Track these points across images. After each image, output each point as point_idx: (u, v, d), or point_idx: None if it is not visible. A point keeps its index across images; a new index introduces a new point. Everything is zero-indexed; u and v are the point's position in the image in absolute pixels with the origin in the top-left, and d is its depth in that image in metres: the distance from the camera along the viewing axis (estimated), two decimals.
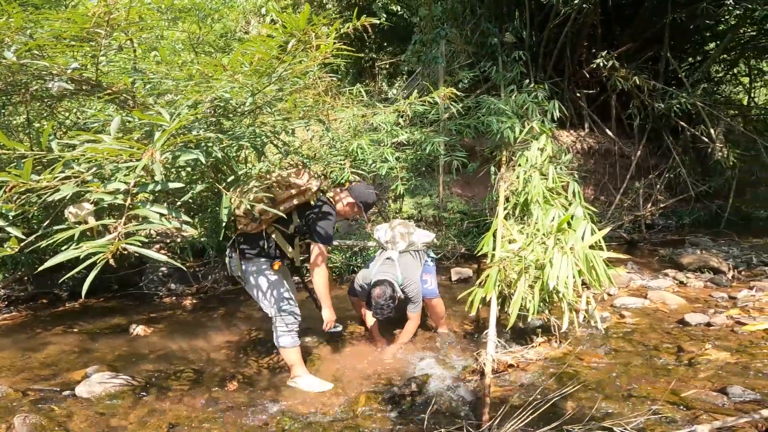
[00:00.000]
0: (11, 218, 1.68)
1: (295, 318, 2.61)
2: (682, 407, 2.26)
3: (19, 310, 3.99)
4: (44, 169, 1.52)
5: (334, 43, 2.10)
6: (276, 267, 2.60)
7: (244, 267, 2.60)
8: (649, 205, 7.46)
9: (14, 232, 1.55)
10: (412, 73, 7.86)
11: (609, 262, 2.99)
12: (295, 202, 2.53)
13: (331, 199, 2.77)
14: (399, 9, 8.21)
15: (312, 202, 2.58)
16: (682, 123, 7.66)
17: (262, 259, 2.59)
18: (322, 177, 2.89)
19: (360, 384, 2.65)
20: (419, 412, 2.34)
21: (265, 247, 2.57)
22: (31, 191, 1.43)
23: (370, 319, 3.18)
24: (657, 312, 3.69)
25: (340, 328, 3.14)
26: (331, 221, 2.60)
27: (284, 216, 2.43)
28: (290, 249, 2.63)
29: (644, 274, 4.73)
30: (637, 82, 7.11)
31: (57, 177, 1.42)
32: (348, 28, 2.21)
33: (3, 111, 2.78)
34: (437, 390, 2.57)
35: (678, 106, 6.95)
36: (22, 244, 1.57)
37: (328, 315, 2.68)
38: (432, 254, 3.46)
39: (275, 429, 2.20)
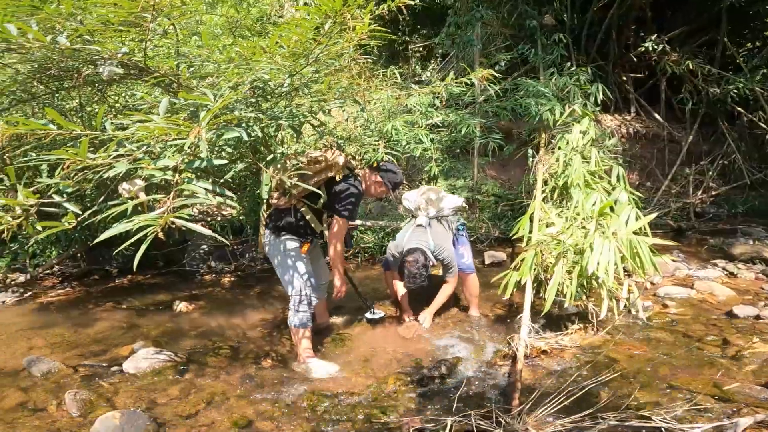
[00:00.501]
0: (67, 195, 1.79)
1: (312, 300, 2.65)
2: (723, 400, 2.17)
3: (73, 286, 4.24)
4: (97, 150, 1.60)
5: (369, 24, 2.09)
6: (305, 249, 2.66)
7: (272, 242, 2.68)
8: (700, 192, 7.07)
9: (72, 207, 1.65)
10: (446, 56, 7.71)
11: (655, 249, 2.87)
12: (323, 176, 2.58)
13: (362, 177, 2.81)
14: None
15: (338, 178, 2.60)
16: (738, 108, 7.18)
17: (293, 236, 2.66)
18: (349, 155, 2.95)
19: (389, 365, 2.68)
20: (448, 394, 2.35)
21: (295, 222, 2.65)
22: (87, 168, 1.52)
23: (401, 289, 3.21)
24: (703, 303, 3.53)
25: (382, 314, 3.20)
26: (355, 198, 2.64)
27: (314, 190, 2.48)
28: (319, 224, 2.69)
29: (691, 264, 4.51)
30: (691, 66, 6.70)
31: (111, 155, 1.49)
32: (382, 9, 2.19)
33: (57, 95, 2.91)
34: (467, 373, 2.57)
35: (735, 91, 6.52)
36: (78, 220, 1.67)
37: (338, 283, 2.76)
38: (462, 220, 3.43)
39: (306, 406, 2.27)
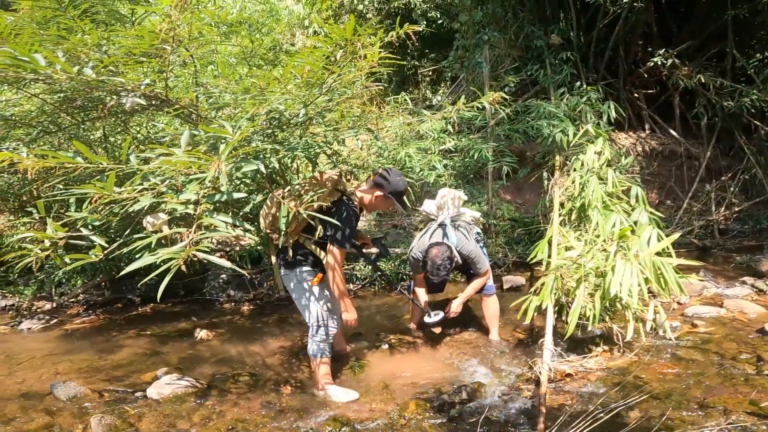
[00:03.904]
0: (93, 227, 1.85)
1: (330, 328, 2.60)
2: (761, 417, 2.09)
3: (97, 314, 4.32)
4: (121, 182, 1.66)
5: (379, 51, 2.14)
6: (315, 281, 2.56)
7: (288, 274, 2.62)
8: (722, 209, 6.89)
9: (98, 240, 1.70)
10: (455, 79, 7.82)
11: (679, 269, 2.81)
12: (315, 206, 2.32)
13: (355, 196, 2.58)
14: (438, 16, 8.20)
15: (324, 206, 2.37)
16: (755, 121, 7.07)
17: (304, 269, 2.57)
18: (344, 175, 2.66)
19: (409, 391, 2.64)
20: (470, 420, 2.30)
21: (303, 255, 2.55)
22: (114, 202, 1.57)
23: (421, 294, 3.21)
24: (734, 321, 3.41)
25: (440, 315, 3.09)
26: (348, 223, 2.43)
27: (310, 222, 2.33)
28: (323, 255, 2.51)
29: (719, 282, 4.38)
30: (702, 80, 6.66)
31: (136, 189, 1.55)
32: (391, 36, 2.25)
33: (82, 126, 3.02)
34: (489, 398, 2.51)
35: (749, 103, 6.44)
36: (104, 253, 1.72)
37: (346, 315, 2.57)
38: (479, 230, 3.41)
39: None
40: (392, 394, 2.61)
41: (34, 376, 2.99)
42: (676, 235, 2.98)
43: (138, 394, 2.69)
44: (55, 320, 4.15)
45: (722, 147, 7.55)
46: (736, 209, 7.04)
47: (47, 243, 1.74)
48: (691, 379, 2.53)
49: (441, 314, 3.10)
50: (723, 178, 7.18)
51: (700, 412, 2.20)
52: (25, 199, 3.18)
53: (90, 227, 1.79)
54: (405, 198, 2.69)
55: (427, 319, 3.10)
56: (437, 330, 3.23)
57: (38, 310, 4.41)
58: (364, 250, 3.01)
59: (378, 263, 3.02)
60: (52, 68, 1.79)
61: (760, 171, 6.97)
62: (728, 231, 6.64)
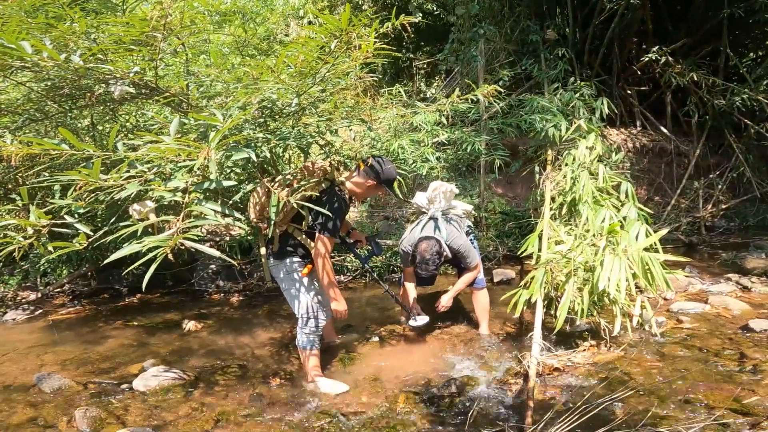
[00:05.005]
0: (79, 215, 1.81)
1: (319, 320, 2.59)
2: (743, 413, 2.13)
3: (83, 304, 4.27)
4: (108, 170, 1.63)
5: (374, 42, 2.12)
6: (305, 272, 2.55)
7: (277, 265, 2.60)
8: (710, 206, 6.99)
9: (83, 228, 1.66)
10: (450, 72, 7.79)
11: (666, 265, 2.84)
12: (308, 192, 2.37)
13: (344, 186, 2.57)
14: (435, 8, 8.16)
15: (313, 196, 2.39)
16: (745, 120, 7.16)
17: (294, 259, 2.56)
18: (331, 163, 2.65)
19: (399, 384, 2.65)
20: (459, 413, 2.31)
21: (292, 245, 2.55)
22: (99, 190, 1.54)
23: (411, 291, 3.19)
24: (718, 317, 3.46)
25: (426, 319, 3.09)
26: (336, 212, 2.41)
27: (299, 211, 2.33)
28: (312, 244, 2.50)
29: (704, 278, 4.44)
30: (695, 78, 6.71)
31: (122, 176, 1.52)
32: (387, 27, 2.23)
33: (69, 114, 2.96)
34: (478, 392, 2.53)
35: (740, 102, 6.51)
36: (89, 241, 1.68)
37: (335, 305, 2.54)
38: (470, 223, 3.41)
39: (316, 426, 2.24)
40: (382, 387, 2.61)
41: (18, 367, 2.95)
42: (664, 231, 3.00)
43: (124, 386, 2.66)
44: (40, 311, 4.09)
45: (711, 145, 7.65)
46: (723, 207, 7.15)
47: (30, 231, 1.70)
48: (675, 375, 2.57)
49: (426, 319, 3.07)
50: (711, 175, 7.28)
51: (684, 409, 2.24)
52: (9, 187, 3.12)
53: (75, 215, 1.75)
54: (395, 185, 2.74)
55: (411, 323, 3.08)
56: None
57: (23, 300, 4.34)
58: (357, 249, 2.99)
59: (368, 261, 3.00)
60: (39, 56, 1.75)
61: (748, 169, 7.07)
62: (715, 228, 6.75)
